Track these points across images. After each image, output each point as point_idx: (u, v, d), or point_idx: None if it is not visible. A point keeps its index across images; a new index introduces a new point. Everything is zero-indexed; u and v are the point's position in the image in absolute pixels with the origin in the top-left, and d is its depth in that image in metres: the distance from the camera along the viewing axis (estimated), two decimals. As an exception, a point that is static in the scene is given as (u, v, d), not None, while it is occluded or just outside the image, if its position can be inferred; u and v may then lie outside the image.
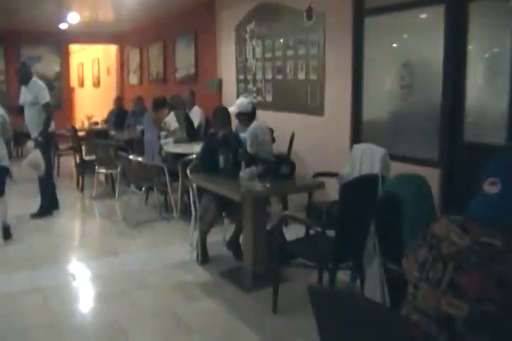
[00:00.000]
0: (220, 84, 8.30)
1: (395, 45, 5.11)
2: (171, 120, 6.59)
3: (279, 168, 3.94)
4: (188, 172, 4.44)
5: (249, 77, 7.44)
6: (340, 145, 5.71)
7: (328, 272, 3.21)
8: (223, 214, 4.40)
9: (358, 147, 4.82)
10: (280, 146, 6.34)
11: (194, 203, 4.44)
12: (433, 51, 4.75)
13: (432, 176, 4.63)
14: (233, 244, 4.56)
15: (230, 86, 8.03)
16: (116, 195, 6.67)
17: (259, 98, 7.16)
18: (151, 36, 10.94)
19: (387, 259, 2.63)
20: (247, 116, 5.22)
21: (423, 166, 4.75)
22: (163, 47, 10.46)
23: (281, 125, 6.40)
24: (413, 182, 2.63)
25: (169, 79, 10.35)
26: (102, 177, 7.60)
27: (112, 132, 8.16)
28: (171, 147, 5.99)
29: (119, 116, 8.88)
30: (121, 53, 13.19)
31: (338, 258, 3.17)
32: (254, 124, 5.26)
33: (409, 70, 4.95)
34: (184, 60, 9.53)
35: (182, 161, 5.41)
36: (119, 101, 9.47)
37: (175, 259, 4.54)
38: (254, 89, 7.34)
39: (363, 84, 5.48)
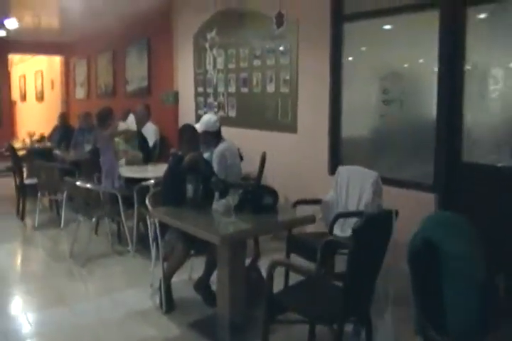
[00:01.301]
0: (176, 97, 7.60)
1: (379, 55, 4.57)
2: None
3: (261, 197, 3.28)
4: (147, 202, 3.74)
5: (210, 90, 6.79)
6: (316, 167, 5.12)
7: (330, 329, 2.58)
8: (191, 252, 3.68)
9: (344, 170, 4.24)
10: (246, 167, 5.70)
11: (156, 240, 3.73)
12: (425, 62, 4.25)
13: (426, 202, 4.12)
14: (202, 286, 3.86)
15: (187, 100, 7.34)
16: (62, 223, 5.84)
17: (221, 113, 6.51)
18: (100, 46, 10.13)
19: (427, 325, 2.00)
20: (213, 136, 4.59)
21: (415, 190, 4.24)
22: (113, 57, 9.68)
23: (247, 143, 5.75)
24: (456, 225, 2.03)
25: (119, 93, 9.57)
26: (46, 203, 6.73)
27: (57, 151, 7.31)
28: (124, 170, 5.25)
29: (63, 133, 8.04)
30: (67, 65, 12.29)
31: (347, 315, 2.53)
32: (222, 145, 4.62)
33: (396, 83, 4.42)
34: (136, 71, 8.78)
35: (138, 187, 4.71)
36: (63, 116, 8.61)
37: (134, 307, 3.79)
38: (216, 103, 6.69)
39: (342, 97, 4.92)
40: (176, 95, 7.57)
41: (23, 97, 15.64)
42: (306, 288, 2.83)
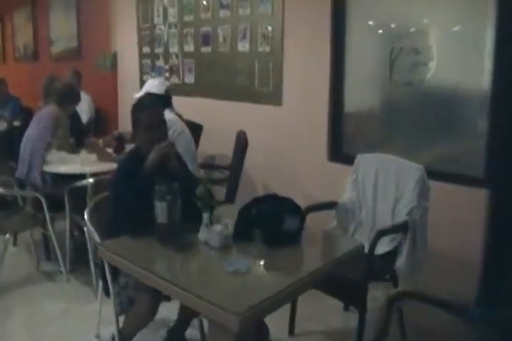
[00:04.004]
0: (114, 60, 6.09)
1: (402, 3, 3.33)
2: None
3: (279, 220, 2.00)
4: (88, 224, 2.39)
5: (159, 50, 5.35)
6: (310, 150, 3.90)
7: None
8: (160, 300, 2.36)
9: (368, 160, 3.03)
10: (207, 149, 4.45)
11: (104, 282, 2.41)
12: (472, 13, 3.05)
13: (475, 198, 3.00)
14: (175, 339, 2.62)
15: (129, 63, 5.86)
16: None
17: (175, 80, 5.13)
18: (16, -1, 8.36)
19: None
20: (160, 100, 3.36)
21: (459, 184, 3.10)
22: (33, 12, 7.97)
23: (209, 117, 4.49)
24: None
25: (42, 55, 7.92)
26: None
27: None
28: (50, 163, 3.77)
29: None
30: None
31: None
32: (168, 115, 3.34)
33: (424, 40, 3.21)
34: (62, 29, 7.14)
35: (69, 188, 3.35)
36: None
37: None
38: (167, 66, 5.28)
39: (345, 59, 3.68)
40: (115, 57, 6.06)
41: None
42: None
